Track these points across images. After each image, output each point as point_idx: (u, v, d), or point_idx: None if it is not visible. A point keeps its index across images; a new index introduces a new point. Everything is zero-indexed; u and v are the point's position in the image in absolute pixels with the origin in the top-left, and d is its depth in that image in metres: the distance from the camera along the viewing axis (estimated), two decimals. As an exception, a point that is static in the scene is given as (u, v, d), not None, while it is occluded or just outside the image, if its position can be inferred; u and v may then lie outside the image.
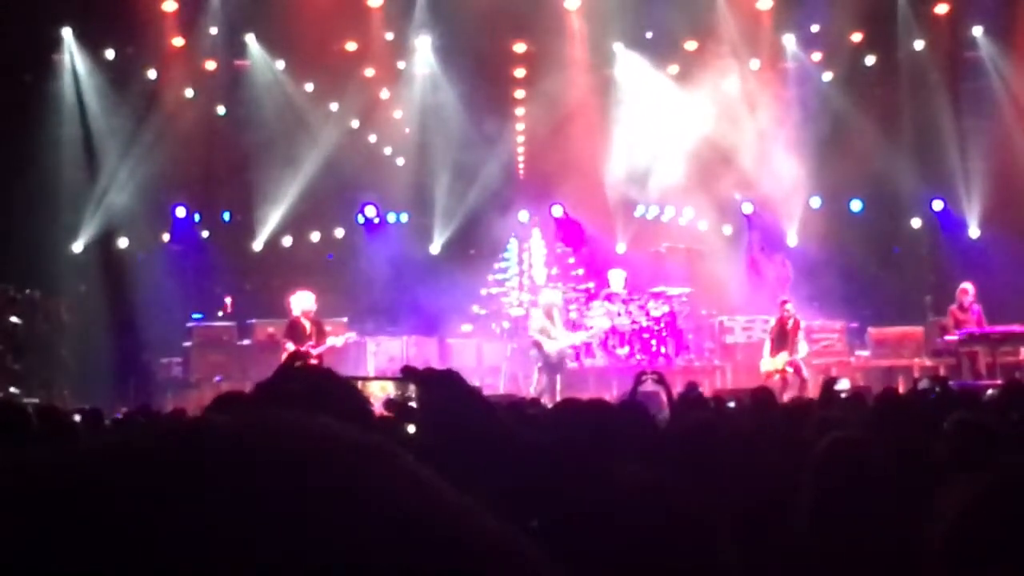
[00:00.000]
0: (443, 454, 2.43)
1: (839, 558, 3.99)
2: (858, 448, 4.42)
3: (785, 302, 19.26)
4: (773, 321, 19.36)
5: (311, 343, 16.95)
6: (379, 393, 2.99)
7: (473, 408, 2.60)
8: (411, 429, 2.73)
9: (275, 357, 17.60)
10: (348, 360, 18.69)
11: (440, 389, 2.61)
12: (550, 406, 14.02)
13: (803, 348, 18.95)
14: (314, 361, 15.11)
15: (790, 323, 18.95)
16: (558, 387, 18.29)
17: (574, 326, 20.17)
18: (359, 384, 2.99)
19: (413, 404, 2.71)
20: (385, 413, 2.83)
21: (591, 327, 20.31)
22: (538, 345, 18.50)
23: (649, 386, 8.75)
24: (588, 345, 20.71)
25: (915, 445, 5.69)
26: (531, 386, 18.61)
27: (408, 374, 2.69)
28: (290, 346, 16.96)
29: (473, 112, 23.76)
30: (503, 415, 2.81)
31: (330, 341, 17.25)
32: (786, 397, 14.95)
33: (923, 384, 8.90)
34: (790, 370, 18.67)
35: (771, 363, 18.80)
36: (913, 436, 5.87)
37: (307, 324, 17.26)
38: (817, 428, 5.69)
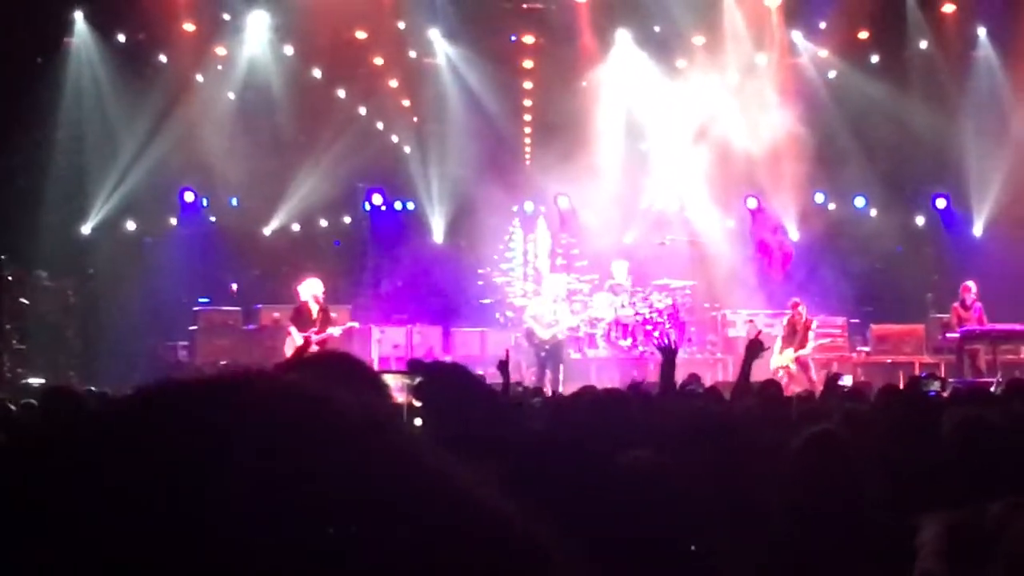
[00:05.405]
0: (448, 445, 2.50)
1: (810, 544, 4.10)
2: (834, 443, 4.52)
3: (797, 304, 19.33)
4: (786, 320, 19.45)
5: (314, 329, 16.98)
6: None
7: (478, 400, 2.62)
8: (417, 422, 2.78)
9: (280, 342, 17.69)
10: (352, 349, 18.66)
11: (446, 382, 2.59)
12: (550, 394, 14.17)
13: (809, 344, 19.03)
14: (315, 348, 15.12)
15: (800, 323, 19.06)
16: (560, 376, 18.35)
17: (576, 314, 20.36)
18: None
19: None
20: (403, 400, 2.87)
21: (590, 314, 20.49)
22: (529, 333, 18.62)
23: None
24: (591, 336, 20.77)
25: (914, 439, 5.79)
26: (533, 376, 18.66)
27: (414, 367, 2.63)
28: (293, 330, 17.00)
29: (481, 102, 23.79)
30: (508, 406, 2.87)
31: (330, 330, 17.29)
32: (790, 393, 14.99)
33: (932, 385, 8.92)
34: (794, 367, 18.75)
35: (778, 359, 18.88)
36: (913, 431, 5.96)
37: (314, 310, 17.25)
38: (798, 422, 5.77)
